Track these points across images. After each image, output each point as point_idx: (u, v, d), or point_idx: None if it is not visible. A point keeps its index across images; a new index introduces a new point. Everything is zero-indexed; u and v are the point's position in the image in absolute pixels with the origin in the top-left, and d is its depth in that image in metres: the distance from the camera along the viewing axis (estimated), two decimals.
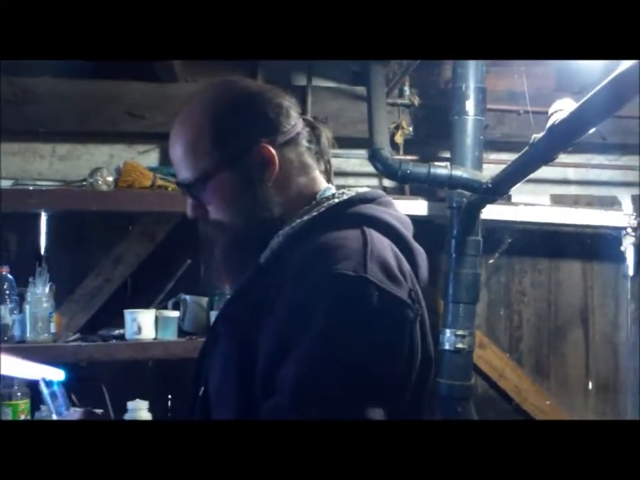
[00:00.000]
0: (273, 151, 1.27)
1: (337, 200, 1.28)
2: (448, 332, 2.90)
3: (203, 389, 1.30)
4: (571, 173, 3.35)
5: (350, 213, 1.26)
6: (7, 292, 2.67)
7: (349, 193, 1.30)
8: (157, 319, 2.76)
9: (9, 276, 2.69)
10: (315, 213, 1.26)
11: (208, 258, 1.38)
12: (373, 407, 1.08)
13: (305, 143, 1.33)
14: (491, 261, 3.21)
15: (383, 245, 1.20)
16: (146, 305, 2.82)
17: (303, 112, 2.95)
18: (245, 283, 1.28)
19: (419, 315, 1.18)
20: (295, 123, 1.32)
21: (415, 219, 1.37)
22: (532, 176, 2.38)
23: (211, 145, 1.28)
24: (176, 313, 2.80)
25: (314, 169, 1.34)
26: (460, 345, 2.88)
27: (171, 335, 2.76)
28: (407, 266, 1.22)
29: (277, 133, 1.29)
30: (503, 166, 2.56)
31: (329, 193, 1.31)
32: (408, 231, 1.30)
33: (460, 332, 2.88)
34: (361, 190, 1.32)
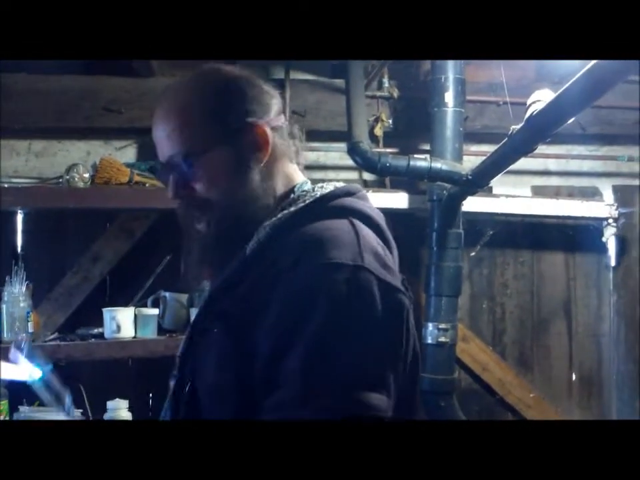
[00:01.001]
0: (269, 132, 1.28)
1: (319, 192, 1.29)
2: (430, 325, 2.88)
3: (189, 386, 1.26)
4: (552, 164, 3.35)
5: (335, 205, 1.27)
6: None
7: (328, 187, 1.31)
8: (136, 317, 2.73)
9: None
10: (301, 205, 1.27)
11: (188, 248, 1.35)
12: (380, 394, 1.09)
13: (286, 134, 1.34)
14: (473, 254, 3.20)
15: (370, 236, 1.22)
16: (125, 303, 2.80)
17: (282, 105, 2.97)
18: (230, 275, 1.26)
19: (412, 300, 1.21)
20: (280, 112, 1.34)
21: (395, 212, 1.38)
22: (512, 167, 2.37)
23: (206, 121, 1.27)
24: (155, 311, 2.78)
25: (294, 161, 1.35)
26: (442, 339, 2.86)
27: (150, 332, 2.74)
28: (390, 256, 1.25)
29: (269, 116, 1.30)
30: (483, 158, 2.55)
31: (307, 187, 1.32)
32: (384, 224, 1.31)
33: (442, 325, 2.87)
34: (338, 184, 1.33)
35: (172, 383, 1.33)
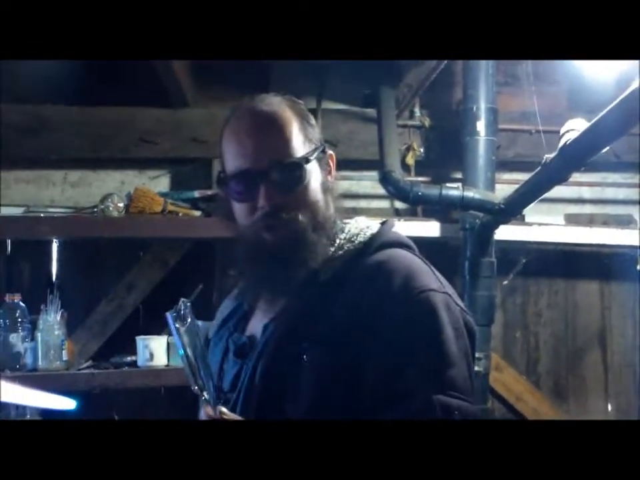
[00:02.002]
0: (332, 158, 1.40)
1: (375, 228, 1.39)
2: None
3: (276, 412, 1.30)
4: (586, 192, 3.32)
5: (393, 237, 1.38)
6: (19, 320, 2.66)
7: (369, 222, 1.42)
8: (168, 345, 2.74)
9: (21, 304, 2.68)
10: (368, 238, 1.36)
11: (250, 264, 1.37)
12: (466, 403, 1.23)
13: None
14: (506, 282, 3.18)
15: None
16: (158, 332, 2.81)
17: None
18: (311, 298, 1.31)
19: None
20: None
21: (427, 241, 1.44)
22: (546, 195, 2.36)
23: (306, 137, 1.34)
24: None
25: None
26: (475, 368, 2.82)
27: None
28: None
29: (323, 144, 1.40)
30: (516, 186, 2.54)
31: (363, 225, 1.40)
32: None
33: (475, 354, 2.84)
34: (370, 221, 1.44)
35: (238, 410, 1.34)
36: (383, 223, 1.42)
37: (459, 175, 3.05)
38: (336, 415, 1.23)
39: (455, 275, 3.04)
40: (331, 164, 1.39)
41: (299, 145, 1.32)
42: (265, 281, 1.37)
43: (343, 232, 1.37)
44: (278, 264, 1.32)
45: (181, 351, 1.34)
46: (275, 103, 1.37)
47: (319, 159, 1.35)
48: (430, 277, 1.29)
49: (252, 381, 1.34)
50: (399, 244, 1.37)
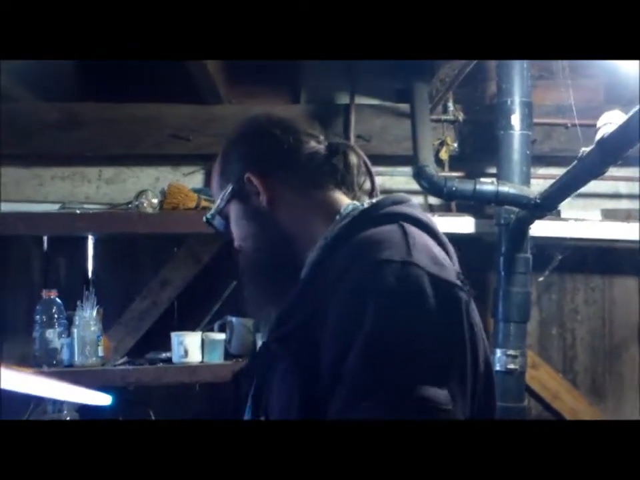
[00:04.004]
0: (258, 179, 1.36)
1: (366, 205, 1.32)
2: (499, 352, 2.83)
3: (264, 418, 1.26)
4: (623, 187, 3.27)
5: (383, 213, 1.27)
6: (56, 316, 2.68)
7: (374, 200, 1.35)
8: (203, 341, 2.75)
9: (57, 300, 2.70)
10: (347, 220, 1.29)
11: (243, 288, 1.45)
12: (439, 387, 1.07)
13: (314, 164, 1.38)
14: (541, 279, 3.14)
15: (421, 235, 1.21)
16: (192, 328, 2.82)
17: (346, 131, 2.99)
18: (290, 299, 1.28)
19: (471, 295, 1.18)
20: (299, 146, 1.38)
21: (462, 237, 1.37)
22: (582, 190, 2.32)
23: (218, 181, 1.41)
24: (222, 336, 2.79)
25: (329, 188, 1.37)
26: (511, 366, 2.81)
27: (217, 357, 2.75)
28: (444, 254, 1.23)
29: (267, 159, 1.37)
30: (552, 181, 2.51)
31: (352, 207, 1.33)
32: (437, 227, 1.30)
33: (511, 352, 2.82)
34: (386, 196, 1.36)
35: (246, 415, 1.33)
36: (386, 198, 1.33)
37: (493, 170, 3.02)
38: (307, 416, 1.17)
39: (489, 271, 3.03)
40: (255, 183, 1.36)
41: (217, 195, 1.41)
42: (249, 300, 1.44)
43: (339, 215, 1.33)
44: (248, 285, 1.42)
45: None
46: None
47: (234, 196, 1.38)
48: (392, 248, 1.15)
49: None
50: (392, 218, 1.25)
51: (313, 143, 1.40)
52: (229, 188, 1.38)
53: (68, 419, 2.51)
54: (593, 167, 2.08)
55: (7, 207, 2.81)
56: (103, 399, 1.72)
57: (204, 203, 2.80)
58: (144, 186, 2.96)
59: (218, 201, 1.41)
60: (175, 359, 2.73)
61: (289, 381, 1.20)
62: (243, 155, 1.39)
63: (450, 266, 1.20)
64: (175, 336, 2.74)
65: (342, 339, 1.12)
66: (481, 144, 3.12)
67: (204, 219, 1.45)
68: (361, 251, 1.17)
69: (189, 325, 2.85)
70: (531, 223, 2.82)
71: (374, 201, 1.35)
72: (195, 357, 2.72)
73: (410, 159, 2.90)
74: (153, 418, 2.69)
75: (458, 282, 1.16)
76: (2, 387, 1.47)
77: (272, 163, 1.37)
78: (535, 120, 2.92)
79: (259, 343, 2.74)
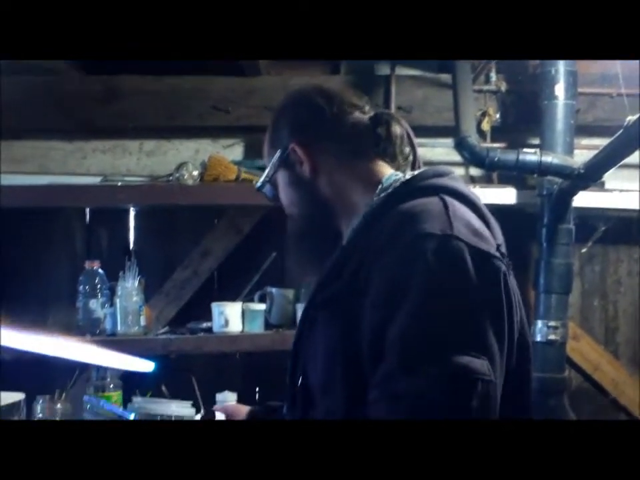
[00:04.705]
0: (302, 149, 1.39)
1: (408, 176, 1.34)
2: (540, 323, 2.82)
3: (301, 377, 1.31)
4: None
5: (424, 185, 1.30)
6: (99, 286, 2.72)
7: (417, 171, 1.37)
8: (243, 311, 2.77)
9: (100, 270, 2.74)
10: (390, 190, 1.32)
11: (288, 253, 1.49)
12: (479, 358, 1.10)
13: (357, 133, 1.40)
14: (584, 250, 3.11)
15: (461, 209, 1.24)
16: (233, 298, 2.84)
17: (387, 102, 2.96)
18: (331, 265, 1.31)
19: (510, 266, 1.21)
20: (342, 117, 1.41)
21: (503, 208, 1.36)
22: (626, 161, 2.29)
23: (267, 151, 1.47)
24: (262, 306, 2.81)
25: (372, 157, 1.40)
26: (552, 337, 2.79)
27: (257, 327, 2.77)
28: (485, 227, 1.25)
29: (311, 129, 1.41)
30: (596, 151, 2.47)
31: (395, 178, 1.36)
32: (479, 201, 1.32)
33: (552, 323, 2.80)
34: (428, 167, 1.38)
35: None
36: (428, 170, 1.35)
37: (535, 141, 2.98)
38: (341, 383, 1.21)
39: (531, 242, 3.00)
40: (299, 153, 1.40)
41: (267, 164, 1.46)
42: (294, 265, 1.51)
43: (381, 185, 1.36)
44: (295, 252, 1.47)
45: None
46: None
47: (281, 164, 1.43)
48: (433, 221, 1.17)
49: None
50: (433, 190, 1.27)
51: (357, 114, 1.42)
52: (276, 157, 1.42)
53: (112, 386, 2.55)
54: (638, 137, 2.04)
55: (50, 180, 2.85)
56: (146, 366, 1.75)
57: (244, 175, 2.81)
58: (184, 158, 2.98)
59: (267, 169, 1.45)
60: (215, 329, 2.75)
61: (329, 344, 1.24)
62: (288, 125, 1.43)
63: (489, 237, 1.22)
64: (215, 306, 2.76)
65: (384, 310, 1.14)
66: (523, 114, 3.07)
67: (255, 186, 1.50)
68: (403, 223, 1.20)
69: (229, 296, 2.87)
70: (574, 193, 2.79)
71: (415, 172, 1.36)
72: (235, 326, 2.75)
73: (451, 130, 2.87)
74: (196, 386, 2.72)
75: (497, 253, 1.19)
76: (49, 353, 1.50)
77: (315, 132, 1.40)
78: (580, 89, 2.87)
79: (299, 313, 2.76)
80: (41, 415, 2.24)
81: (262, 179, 1.47)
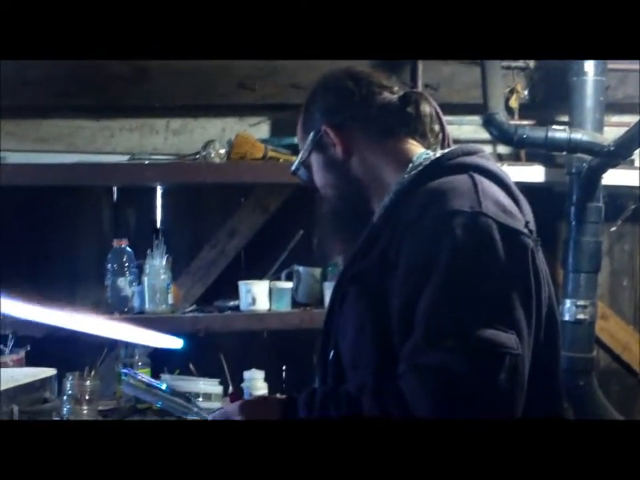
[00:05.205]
0: (333, 131, 1.41)
1: (438, 155, 1.36)
2: (568, 302, 2.80)
3: (333, 351, 1.34)
4: None
5: (454, 163, 1.31)
6: (127, 264, 2.74)
7: (447, 149, 1.39)
8: (270, 290, 2.78)
9: (128, 249, 2.76)
10: (420, 168, 1.33)
11: (318, 232, 1.53)
12: (507, 332, 1.12)
13: (388, 113, 1.42)
14: (614, 229, 3.07)
15: (490, 186, 1.26)
16: (259, 277, 2.85)
17: (414, 80, 2.94)
18: (362, 241, 1.34)
19: (538, 243, 1.23)
20: (372, 97, 1.42)
21: (531, 186, 1.37)
22: None
23: (300, 134, 1.49)
24: (289, 284, 2.82)
25: (402, 136, 1.42)
26: (581, 316, 2.78)
27: (285, 305, 2.78)
28: (513, 204, 1.26)
29: (342, 111, 1.42)
30: (626, 128, 2.44)
31: (425, 156, 1.37)
32: (509, 178, 1.33)
33: (581, 302, 2.78)
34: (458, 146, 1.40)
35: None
36: (457, 148, 1.36)
37: (564, 119, 2.95)
38: (371, 357, 1.24)
39: (559, 221, 2.98)
40: (331, 135, 1.42)
41: (301, 148, 1.49)
42: (324, 241, 1.60)
43: (412, 163, 1.37)
44: (327, 229, 1.52)
45: None
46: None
47: (314, 147, 1.45)
48: (463, 198, 1.19)
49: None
50: (462, 168, 1.29)
51: (386, 94, 1.44)
52: (309, 140, 1.45)
53: (140, 364, 2.57)
54: None
55: (78, 159, 2.86)
56: (174, 343, 1.76)
57: (271, 153, 2.80)
58: (211, 137, 2.97)
59: (301, 153, 1.48)
60: (242, 307, 2.76)
61: (359, 319, 1.26)
62: (319, 109, 1.45)
63: (518, 214, 1.23)
64: (242, 284, 2.77)
65: (413, 285, 1.16)
66: (552, 91, 3.04)
67: (290, 170, 1.52)
68: (433, 200, 1.21)
69: (256, 274, 2.87)
70: (604, 171, 2.76)
71: (445, 150, 1.38)
72: (262, 304, 2.75)
73: (478, 108, 2.85)
74: (225, 363, 2.74)
75: (525, 230, 1.21)
76: (79, 330, 1.52)
77: (345, 115, 1.42)
78: (609, 65, 2.83)
79: (326, 292, 2.76)
80: (70, 392, 2.26)
81: (296, 162, 1.50)
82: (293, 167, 1.51)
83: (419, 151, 1.40)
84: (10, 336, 2.43)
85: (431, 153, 1.38)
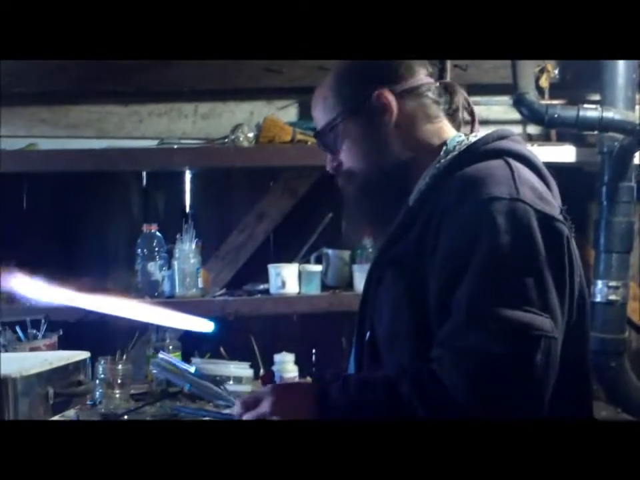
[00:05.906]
0: (391, 97, 1.40)
1: (473, 139, 1.38)
2: (600, 283, 2.77)
3: (369, 334, 1.35)
4: None
5: (489, 148, 1.33)
6: (157, 249, 2.76)
7: (481, 134, 1.40)
8: (300, 273, 2.79)
9: (158, 233, 2.78)
10: (455, 153, 1.35)
11: (347, 212, 1.48)
12: (543, 316, 1.15)
13: (430, 95, 1.43)
14: None
15: (526, 172, 1.28)
16: (288, 260, 2.85)
17: (442, 60, 2.90)
18: (398, 225, 1.36)
19: (572, 229, 1.26)
20: (418, 75, 1.43)
21: (562, 166, 1.37)
22: None
23: (336, 97, 1.43)
24: (319, 267, 2.82)
25: (441, 119, 1.44)
26: (613, 297, 2.75)
27: (314, 289, 2.79)
28: (548, 191, 1.29)
29: (396, 82, 1.41)
30: None
31: (459, 139, 1.39)
32: (540, 162, 1.36)
33: (613, 283, 2.75)
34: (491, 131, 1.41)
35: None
36: (492, 132, 1.38)
37: (595, 98, 2.90)
38: (408, 339, 1.25)
39: (590, 201, 2.94)
40: (386, 101, 1.39)
41: (331, 110, 1.43)
42: (352, 224, 1.57)
43: (446, 146, 1.38)
44: (356, 212, 1.48)
45: None
46: (325, 81, 1.48)
47: (357, 108, 1.41)
48: (501, 185, 1.22)
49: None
50: (497, 153, 1.31)
51: (422, 76, 1.45)
52: (348, 105, 1.41)
53: (171, 347, 2.59)
54: None
55: (107, 144, 2.88)
56: (206, 326, 1.77)
57: (299, 136, 2.80)
58: (239, 120, 2.98)
59: (331, 118, 1.43)
60: (272, 290, 2.77)
61: (395, 302, 1.28)
62: (371, 74, 1.42)
63: (553, 201, 1.26)
64: (272, 268, 2.78)
65: (451, 269, 1.19)
66: (582, 70, 3.00)
67: (315, 131, 1.49)
68: (471, 186, 1.24)
69: (285, 258, 2.88)
70: (636, 150, 2.72)
71: (479, 135, 1.39)
72: (292, 288, 2.76)
73: (507, 88, 2.82)
74: (255, 346, 2.75)
75: (560, 217, 1.24)
76: (110, 313, 1.53)
77: (400, 84, 1.41)
78: None
79: (355, 274, 2.76)
80: (102, 376, 2.28)
81: (323, 126, 1.45)
82: (319, 129, 1.47)
83: (452, 134, 1.42)
84: (42, 320, 2.46)
85: (463, 136, 1.40)
